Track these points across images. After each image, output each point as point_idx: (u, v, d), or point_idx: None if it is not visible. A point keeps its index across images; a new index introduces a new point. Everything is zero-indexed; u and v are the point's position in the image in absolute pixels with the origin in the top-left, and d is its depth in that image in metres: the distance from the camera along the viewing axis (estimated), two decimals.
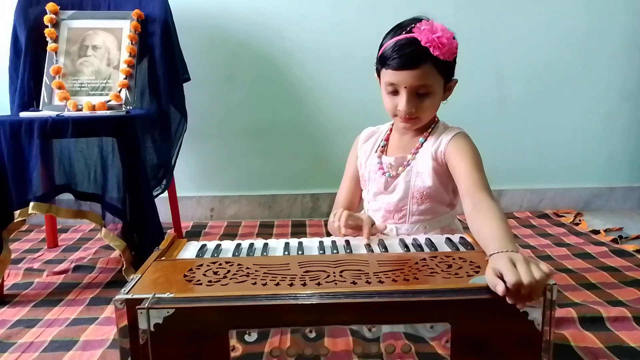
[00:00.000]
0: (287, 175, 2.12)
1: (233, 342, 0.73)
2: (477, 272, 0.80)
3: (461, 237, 1.00)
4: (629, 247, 1.65)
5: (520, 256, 0.75)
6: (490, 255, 0.79)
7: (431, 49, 1.03)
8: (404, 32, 1.07)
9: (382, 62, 1.09)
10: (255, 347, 0.73)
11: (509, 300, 0.71)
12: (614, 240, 1.73)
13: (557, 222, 2.00)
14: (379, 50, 1.12)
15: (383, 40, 1.12)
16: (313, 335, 0.73)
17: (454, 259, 0.86)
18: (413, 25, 1.07)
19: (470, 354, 0.74)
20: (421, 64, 1.04)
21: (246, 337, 0.73)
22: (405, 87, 1.06)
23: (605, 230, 1.85)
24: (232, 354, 0.73)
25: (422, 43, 1.03)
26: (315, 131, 2.09)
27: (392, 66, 1.06)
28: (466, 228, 1.04)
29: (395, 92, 1.09)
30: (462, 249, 0.94)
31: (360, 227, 1.06)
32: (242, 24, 1.98)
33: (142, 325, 0.72)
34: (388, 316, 0.73)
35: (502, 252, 0.78)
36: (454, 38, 1.06)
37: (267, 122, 2.07)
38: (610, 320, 1.13)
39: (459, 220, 1.24)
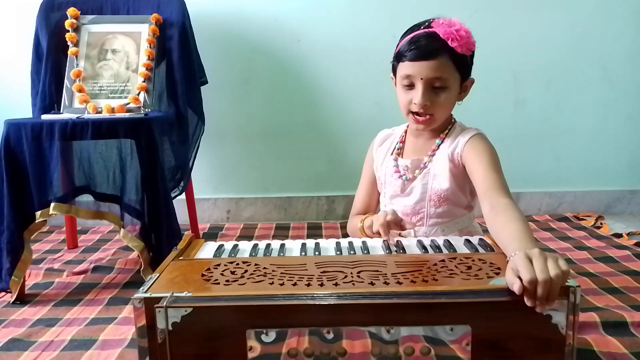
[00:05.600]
0: (303, 177, 2.12)
1: (250, 342, 0.72)
2: (497, 274, 0.79)
3: (480, 239, 0.99)
4: None
5: (537, 251, 0.73)
6: (511, 256, 0.77)
7: (449, 41, 1.03)
8: (422, 28, 1.08)
9: (399, 56, 1.10)
10: (272, 348, 0.72)
11: (526, 302, 0.69)
12: (637, 244, 1.69)
13: (577, 226, 1.96)
14: (396, 48, 1.12)
15: (400, 38, 1.12)
16: (331, 336, 0.72)
17: (473, 260, 0.85)
18: (431, 21, 1.08)
19: (492, 358, 0.72)
20: (438, 55, 1.04)
21: (263, 337, 0.72)
22: (421, 79, 1.06)
23: (627, 234, 1.82)
24: (249, 354, 0.72)
25: (441, 35, 1.03)
26: (330, 134, 2.09)
27: (409, 57, 1.06)
28: (485, 231, 1.03)
29: (411, 86, 1.08)
30: (481, 250, 0.93)
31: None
32: (258, 28, 1.99)
33: (160, 324, 0.72)
34: (407, 317, 0.72)
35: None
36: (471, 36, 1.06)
37: (282, 125, 2.07)
38: (634, 325, 1.11)
39: (479, 223, 1.23)
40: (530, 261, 0.71)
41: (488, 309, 0.72)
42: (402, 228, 1.06)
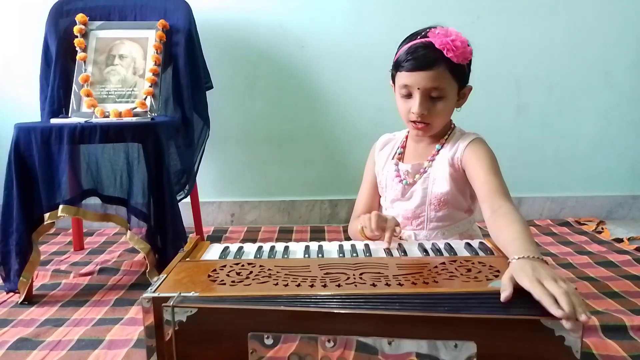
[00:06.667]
0: (306, 181, 2.14)
1: (252, 345, 0.74)
2: (496, 277, 0.80)
3: (480, 243, 1.01)
4: None
5: (544, 272, 0.73)
6: (512, 259, 0.79)
7: (445, 51, 1.04)
8: (418, 37, 1.09)
9: (397, 66, 1.12)
10: (273, 351, 0.74)
11: (555, 313, 0.67)
12: (638, 249, 1.70)
13: (578, 230, 1.97)
14: (394, 57, 1.14)
15: (398, 47, 1.14)
16: (331, 344, 0.73)
17: (473, 263, 0.87)
18: (428, 30, 1.09)
19: None
20: (435, 65, 1.06)
21: (265, 341, 0.74)
22: (418, 89, 1.08)
23: (628, 239, 1.82)
24: (251, 357, 0.74)
25: (437, 45, 1.05)
26: (333, 138, 2.11)
27: (407, 68, 1.08)
28: (486, 235, 1.05)
29: (409, 95, 1.10)
30: (481, 253, 0.94)
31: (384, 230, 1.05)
32: (263, 34, 2.01)
33: (168, 323, 0.74)
34: (411, 330, 0.70)
35: (524, 257, 0.77)
36: (468, 45, 1.08)
37: (286, 129, 2.10)
38: (633, 328, 1.12)
39: (479, 227, 1.25)
40: (540, 282, 0.71)
41: (498, 327, 0.69)
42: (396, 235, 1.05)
